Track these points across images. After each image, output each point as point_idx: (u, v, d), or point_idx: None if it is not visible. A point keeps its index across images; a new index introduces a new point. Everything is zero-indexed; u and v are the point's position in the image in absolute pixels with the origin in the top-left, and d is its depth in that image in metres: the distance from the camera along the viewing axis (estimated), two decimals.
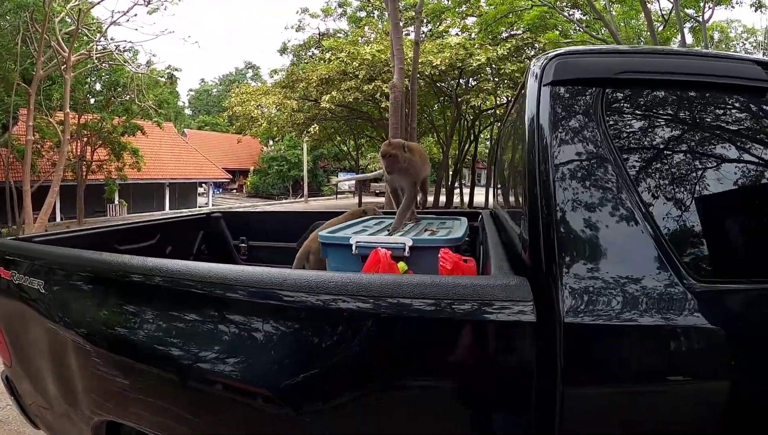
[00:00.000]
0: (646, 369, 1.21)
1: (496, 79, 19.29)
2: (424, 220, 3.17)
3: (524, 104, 1.45)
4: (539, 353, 1.17)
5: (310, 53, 27.56)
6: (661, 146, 1.35)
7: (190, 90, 64.14)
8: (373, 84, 17.90)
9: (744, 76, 1.37)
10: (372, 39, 21.37)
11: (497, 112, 22.87)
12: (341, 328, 1.32)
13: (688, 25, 16.75)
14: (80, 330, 1.72)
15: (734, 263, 1.30)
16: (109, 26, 17.95)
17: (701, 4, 14.14)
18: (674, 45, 17.52)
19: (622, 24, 17.69)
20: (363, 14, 27.37)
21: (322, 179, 42.43)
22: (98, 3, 17.46)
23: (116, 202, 25.52)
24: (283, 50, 28.40)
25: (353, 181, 33.44)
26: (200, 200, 32.56)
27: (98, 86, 22.17)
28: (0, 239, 2.41)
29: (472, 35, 19.91)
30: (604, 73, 1.39)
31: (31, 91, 15.80)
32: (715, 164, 1.33)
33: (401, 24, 17.50)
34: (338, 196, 38.50)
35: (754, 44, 27.92)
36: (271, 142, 38.64)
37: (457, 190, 27.79)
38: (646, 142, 1.37)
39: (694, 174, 1.32)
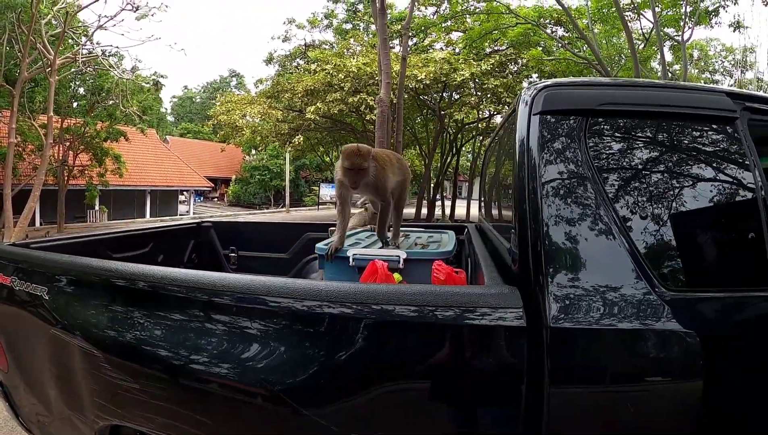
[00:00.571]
0: (622, 369, 1.36)
1: (479, 94, 19.60)
2: (413, 234, 3.32)
3: (515, 129, 1.61)
4: (529, 355, 1.29)
5: (295, 64, 27.65)
6: (638, 169, 1.52)
7: (173, 97, 63.63)
8: (358, 96, 18.07)
9: (713, 106, 1.56)
10: (358, 52, 21.58)
11: (480, 126, 23.21)
12: (367, 333, 1.40)
13: (668, 43, 17.32)
14: (86, 336, 1.74)
15: (702, 274, 1.48)
16: (95, 30, 17.83)
17: (681, 24, 14.57)
18: (654, 63, 18.08)
19: (604, 42, 18.16)
20: (349, 26, 27.60)
21: (303, 189, 42.36)
22: (86, 6, 17.40)
23: (97, 208, 25.22)
24: (269, 60, 28.47)
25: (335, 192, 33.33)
26: (181, 208, 32.29)
27: (82, 90, 21.92)
28: (1, 245, 2.38)
29: (457, 50, 20.25)
30: (587, 104, 1.55)
31: (15, 92, 15.61)
32: (686, 185, 1.51)
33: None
34: (320, 206, 38.47)
35: (732, 62, 28.72)
36: (253, 152, 38.53)
37: (438, 203, 27.99)
38: (624, 165, 1.54)
39: (666, 194, 1.49)
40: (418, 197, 26.54)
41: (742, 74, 28.13)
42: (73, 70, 18.61)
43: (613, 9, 14.27)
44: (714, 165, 1.54)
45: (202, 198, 41.77)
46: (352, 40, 24.00)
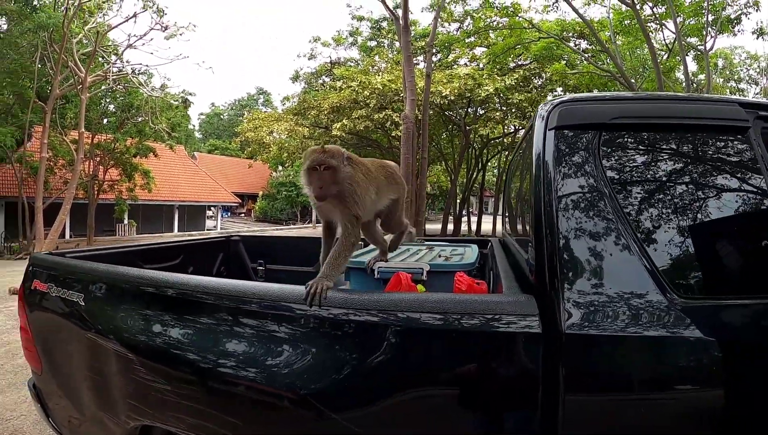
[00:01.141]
0: (636, 375, 1.36)
1: (504, 109, 19.49)
2: (437, 247, 3.33)
3: (532, 144, 1.65)
4: (544, 360, 1.32)
5: (321, 81, 27.94)
6: (651, 180, 1.54)
7: (201, 114, 64.97)
8: (383, 113, 18.15)
9: (725, 116, 1.58)
10: (382, 68, 21.68)
11: (505, 140, 23.01)
12: (391, 339, 1.44)
13: (693, 53, 16.93)
14: (120, 339, 1.83)
15: (715, 281, 1.48)
16: (125, 49, 18.45)
17: (704, 33, 14.23)
18: (679, 73, 17.65)
19: (628, 54, 17.85)
20: (373, 44, 27.81)
21: None
22: (116, 26, 17.93)
23: (126, 222, 25.71)
24: (295, 78, 28.85)
25: None
26: (209, 223, 32.75)
27: (112, 107, 22.54)
28: (38, 254, 2.49)
29: (481, 66, 20.17)
30: (600, 118, 1.59)
31: (47, 109, 16.10)
32: (698, 194, 1.52)
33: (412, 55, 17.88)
34: None
35: (758, 70, 27.97)
36: (280, 168, 38.90)
37: (464, 219, 27.76)
38: (636, 176, 1.55)
39: (679, 203, 1.50)
40: (444, 213, 26.34)
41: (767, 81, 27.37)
42: (103, 87, 19.22)
43: (636, 21, 13.99)
44: (726, 174, 1.56)
45: (229, 213, 42.30)
46: (377, 57, 24.16)
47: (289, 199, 39.83)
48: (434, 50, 21.05)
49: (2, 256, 17.84)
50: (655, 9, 15.09)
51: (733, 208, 1.52)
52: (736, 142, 1.57)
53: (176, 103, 22.25)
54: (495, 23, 18.19)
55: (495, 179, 31.61)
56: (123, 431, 1.90)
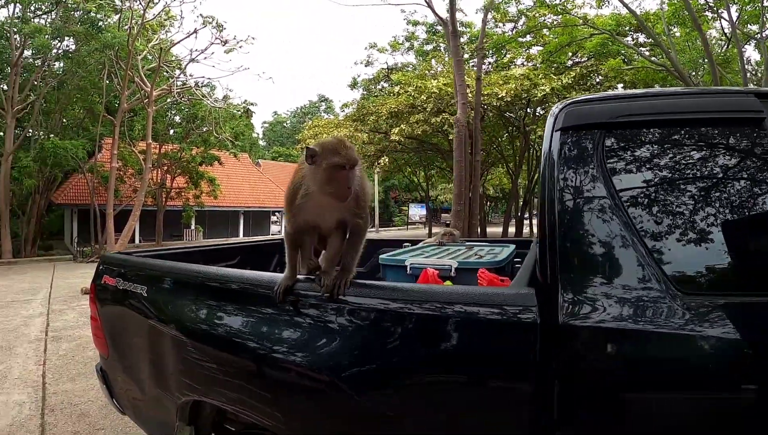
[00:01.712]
0: (629, 366, 1.37)
1: None
2: (476, 247, 3.48)
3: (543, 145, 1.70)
4: (541, 348, 1.39)
5: (380, 87, 28.02)
6: (656, 177, 1.52)
7: (264, 122, 66.70)
8: (440, 116, 17.98)
9: (737, 108, 1.52)
10: (439, 72, 21.49)
11: None
12: (411, 325, 1.59)
13: (753, 41, 15.65)
14: (177, 326, 2.08)
15: (719, 278, 1.44)
16: (188, 64, 19.35)
17: (761, 20, 13.08)
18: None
19: (687, 45, 16.71)
20: (430, 47, 27.59)
21: (393, 210, 42.75)
22: (178, 42, 18.76)
23: (193, 227, 26.79)
24: (353, 85, 29.10)
25: (424, 212, 34.04)
26: (273, 228, 33.56)
27: (178, 118, 23.70)
28: (108, 253, 2.82)
29: (536, 65, 19.60)
30: (605, 117, 1.59)
31: (116, 122, 17.14)
32: (704, 189, 1.49)
33: (464, 58, 17.62)
34: (409, 226, 38.63)
35: None
36: None
37: (526, 221, 27.12)
38: (640, 174, 1.54)
39: (685, 200, 1.48)
40: (505, 215, 25.85)
41: None
42: (168, 100, 20.15)
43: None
44: (736, 168, 1.51)
45: None
46: (433, 61, 23.98)
47: None
48: (489, 52, 20.70)
49: (75, 259, 19.09)
50: None
51: (740, 202, 1.47)
52: (749, 134, 1.50)
53: (238, 113, 22.95)
54: (550, 21, 17.57)
55: None
56: (175, 407, 2.13)
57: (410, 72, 24.97)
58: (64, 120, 21.61)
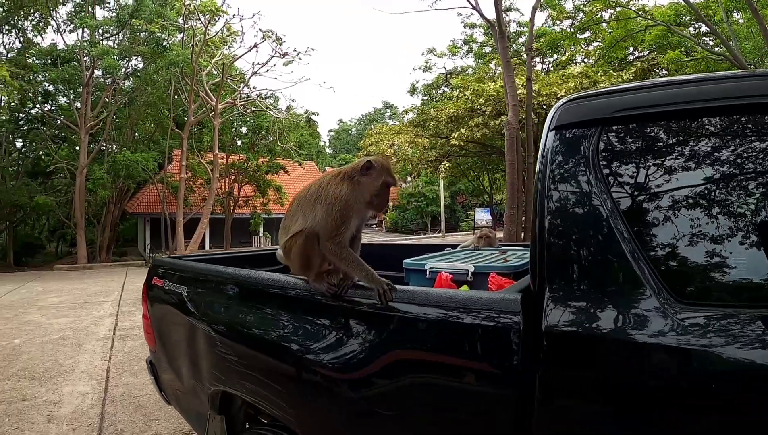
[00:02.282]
0: (615, 376, 1.30)
1: None
2: (509, 251, 3.43)
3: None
4: (525, 352, 1.37)
5: (440, 91, 27.99)
6: (654, 176, 1.40)
7: (330, 130, 68.03)
8: (499, 119, 17.67)
9: (752, 93, 1.31)
10: (497, 74, 21.24)
11: None
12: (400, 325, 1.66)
13: None
14: (208, 321, 2.27)
15: (713, 288, 1.31)
16: (250, 77, 20.23)
17: None
18: None
19: (751, 31, 15.57)
20: (488, 49, 27.32)
21: (460, 214, 42.37)
22: (239, 57, 19.65)
23: (261, 234, 27.73)
24: (412, 91, 29.27)
25: (489, 217, 33.50)
26: None
27: (243, 130, 24.68)
28: (158, 257, 3.12)
29: (595, 61, 18.98)
30: (602, 113, 1.48)
31: (184, 135, 18.22)
32: (702, 190, 1.34)
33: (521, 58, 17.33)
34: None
35: None
36: (408, 179, 39.58)
37: None
38: (635, 173, 1.44)
39: (684, 202, 1.35)
40: None
41: None
42: (234, 112, 21.05)
43: None
44: (740, 165, 1.34)
45: None
46: (492, 63, 23.74)
47: (419, 209, 40.43)
48: (547, 50, 20.27)
49: (147, 264, 20.16)
50: None
51: (740, 203, 1.31)
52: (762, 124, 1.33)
53: (301, 122, 23.62)
54: (607, 16, 17.02)
55: None
56: (206, 396, 2.32)
57: (469, 75, 24.79)
58: (136, 134, 23.13)
